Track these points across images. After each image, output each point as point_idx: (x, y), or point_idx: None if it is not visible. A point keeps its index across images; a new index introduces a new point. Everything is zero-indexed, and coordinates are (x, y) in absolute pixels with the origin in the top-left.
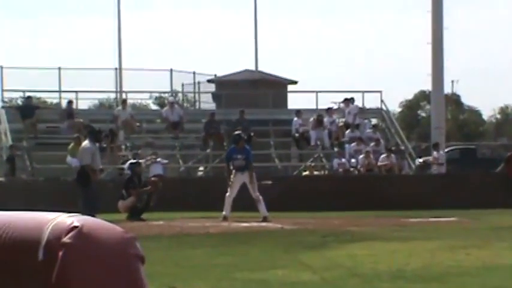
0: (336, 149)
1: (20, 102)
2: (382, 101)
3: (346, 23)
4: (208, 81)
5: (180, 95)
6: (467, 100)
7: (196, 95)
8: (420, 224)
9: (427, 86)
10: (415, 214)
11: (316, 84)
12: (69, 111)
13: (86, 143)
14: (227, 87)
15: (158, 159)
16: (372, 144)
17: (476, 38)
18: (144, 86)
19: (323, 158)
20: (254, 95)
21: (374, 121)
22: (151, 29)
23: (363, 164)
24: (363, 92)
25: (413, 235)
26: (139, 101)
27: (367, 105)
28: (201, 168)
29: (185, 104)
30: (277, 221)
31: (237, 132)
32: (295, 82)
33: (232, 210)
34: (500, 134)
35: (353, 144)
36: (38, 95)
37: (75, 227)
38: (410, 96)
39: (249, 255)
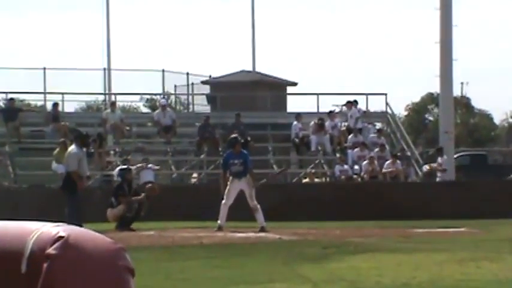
0: (338, 155)
1: (2, 104)
2: (387, 104)
3: (349, 21)
4: (203, 82)
5: (172, 97)
6: (477, 103)
7: (190, 97)
8: (427, 235)
9: (435, 88)
10: (421, 224)
11: (317, 86)
12: (55, 114)
13: (72, 148)
14: (223, 89)
15: (149, 165)
16: (376, 149)
17: (487, 37)
18: (134, 88)
19: (324, 164)
20: (251, 97)
21: (378, 125)
22: (142, 26)
23: (367, 171)
24: (367, 94)
25: (420, 246)
26: (129, 103)
27: (371, 109)
28: (195, 175)
29: (178, 107)
30: (276, 231)
31: (233, 136)
32: (295, 84)
33: (227, 219)
34: None
35: (356, 149)
36: (22, 96)
37: (61, 237)
38: (417, 99)
39: (246, 268)
